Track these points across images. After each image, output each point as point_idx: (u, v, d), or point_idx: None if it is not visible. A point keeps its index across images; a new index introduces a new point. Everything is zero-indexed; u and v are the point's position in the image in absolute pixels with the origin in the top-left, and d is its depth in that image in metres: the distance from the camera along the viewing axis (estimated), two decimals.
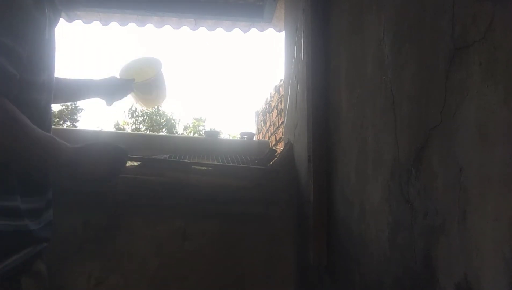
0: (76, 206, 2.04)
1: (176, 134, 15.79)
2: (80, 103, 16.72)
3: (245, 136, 3.76)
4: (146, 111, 16.72)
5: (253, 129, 6.01)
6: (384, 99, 1.35)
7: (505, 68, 0.83)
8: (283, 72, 2.74)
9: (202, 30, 3.55)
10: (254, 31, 3.52)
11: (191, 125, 17.44)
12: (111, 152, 1.09)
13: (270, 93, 4.95)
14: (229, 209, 2.14)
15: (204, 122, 17.81)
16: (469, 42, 0.94)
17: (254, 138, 4.01)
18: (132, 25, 3.48)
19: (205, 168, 2.29)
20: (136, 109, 16.73)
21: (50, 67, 1.08)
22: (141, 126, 16.76)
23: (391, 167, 1.29)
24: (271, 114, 4.82)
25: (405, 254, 1.19)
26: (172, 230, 2.10)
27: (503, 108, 0.83)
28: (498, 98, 0.84)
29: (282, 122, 3.45)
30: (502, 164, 0.83)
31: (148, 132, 14.08)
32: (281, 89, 4.18)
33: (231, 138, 9.78)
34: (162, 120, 16.90)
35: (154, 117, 16.79)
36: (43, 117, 1.06)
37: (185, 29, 3.56)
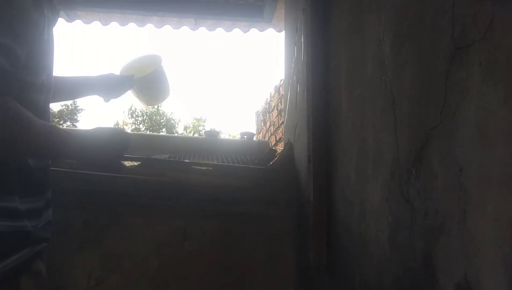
0: (76, 206, 2.05)
1: (176, 134, 15.79)
2: (80, 103, 16.74)
3: (245, 136, 3.77)
4: (146, 111, 16.72)
5: (253, 129, 6.01)
6: (384, 99, 1.35)
7: (505, 68, 0.83)
8: (283, 72, 2.74)
9: (202, 30, 3.55)
10: (254, 31, 3.52)
11: (191, 125, 17.44)
12: (115, 137, 1.09)
13: (270, 93, 4.96)
14: (229, 209, 2.15)
15: (204, 122, 17.81)
16: (469, 42, 0.94)
17: (254, 138, 4.01)
18: (132, 25, 3.48)
19: (205, 168, 2.29)
20: (135, 109, 16.72)
21: (49, 67, 1.08)
22: (140, 126, 16.76)
23: (391, 167, 1.29)
24: (271, 114, 4.82)
25: (405, 254, 1.19)
26: (172, 230, 2.10)
27: (503, 108, 0.83)
28: (498, 98, 0.84)
29: (282, 122, 3.46)
30: (502, 164, 0.83)
31: (148, 132, 14.08)
32: (281, 89, 4.18)
33: (231, 138, 9.78)
34: (161, 120, 16.89)
35: (154, 117, 16.79)
36: (42, 117, 1.06)
37: (185, 29, 3.56)
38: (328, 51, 1.94)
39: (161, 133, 14.52)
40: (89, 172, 2.09)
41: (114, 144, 1.08)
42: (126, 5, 3.15)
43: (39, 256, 1.06)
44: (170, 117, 17.15)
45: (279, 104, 4.32)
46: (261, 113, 5.52)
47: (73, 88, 1.49)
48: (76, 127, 13.44)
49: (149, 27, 3.53)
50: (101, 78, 1.56)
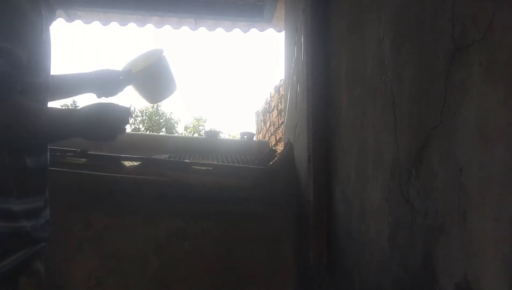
0: (76, 206, 2.05)
1: (176, 134, 15.78)
2: (80, 103, 16.73)
3: (245, 136, 3.76)
4: (145, 111, 16.69)
5: (253, 129, 6.01)
6: (384, 99, 1.35)
7: (505, 68, 0.83)
8: (283, 72, 2.74)
9: (202, 30, 3.55)
10: (254, 31, 3.52)
11: (191, 125, 17.44)
12: (116, 113, 1.09)
13: (270, 93, 4.95)
14: (229, 209, 2.15)
15: (204, 122, 17.81)
16: (469, 42, 0.94)
17: (254, 138, 4.01)
18: (132, 25, 3.48)
19: (205, 168, 2.29)
20: (134, 109, 16.70)
21: (47, 68, 1.08)
22: (140, 126, 16.75)
23: (391, 167, 1.29)
24: (271, 114, 4.82)
25: (405, 254, 1.19)
26: (172, 230, 2.10)
27: (503, 108, 0.83)
28: (498, 98, 0.84)
29: (282, 122, 3.45)
30: (502, 164, 0.83)
31: (147, 132, 14.08)
32: (281, 89, 4.18)
33: (231, 138, 9.78)
34: (161, 120, 16.89)
35: (154, 118, 16.78)
36: None
37: (185, 29, 3.56)
38: (328, 51, 1.94)
39: (161, 133, 14.51)
40: (90, 172, 2.09)
41: (116, 120, 1.08)
42: (126, 5, 3.15)
43: (37, 256, 1.06)
44: (170, 117, 17.14)
45: (279, 104, 4.32)
46: (261, 113, 5.52)
47: (69, 86, 1.43)
48: None
49: (149, 27, 3.53)
50: (96, 73, 1.46)
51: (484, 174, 0.87)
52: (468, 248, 0.91)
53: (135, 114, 16.68)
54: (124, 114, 1.10)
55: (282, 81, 3.55)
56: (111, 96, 1.49)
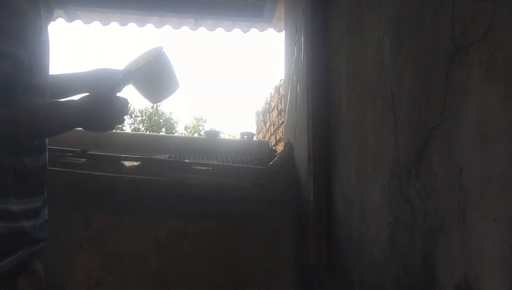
0: (76, 206, 2.05)
1: (176, 134, 15.78)
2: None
3: (245, 136, 3.77)
4: (144, 110, 16.68)
5: (253, 129, 6.01)
6: (384, 99, 1.35)
7: (505, 68, 0.83)
8: (283, 72, 2.74)
9: (202, 30, 3.55)
10: (254, 31, 3.52)
11: (191, 125, 17.43)
12: (116, 103, 1.09)
13: (270, 93, 4.95)
14: (229, 209, 2.15)
15: (204, 122, 17.80)
16: (469, 42, 0.94)
17: (254, 138, 4.01)
18: (132, 25, 3.48)
19: (205, 168, 2.29)
20: (134, 109, 16.68)
21: (46, 68, 1.09)
22: (140, 126, 16.73)
23: (391, 167, 1.29)
24: (271, 114, 4.82)
25: (405, 254, 1.19)
26: (172, 230, 2.10)
27: (503, 108, 0.83)
28: (498, 98, 0.84)
29: (282, 122, 3.45)
30: (502, 164, 0.83)
31: (147, 132, 14.07)
32: (281, 89, 4.18)
33: (231, 138, 9.78)
34: (160, 120, 16.87)
35: (154, 118, 16.77)
36: None
37: (185, 29, 3.56)
38: (328, 51, 1.94)
39: (161, 133, 14.51)
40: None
41: (115, 110, 1.09)
42: (126, 5, 3.15)
43: (37, 256, 1.06)
44: (169, 117, 17.12)
45: (279, 104, 4.32)
46: (261, 113, 5.52)
47: (67, 86, 1.39)
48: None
49: (149, 27, 3.53)
50: (93, 72, 1.41)
51: (484, 174, 0.87)
52: (468, 248, 0.91)
53: (135, 114, 16.65)
54: (123, 104, 1.10)
55: (282, 81, 3.55)
56: None
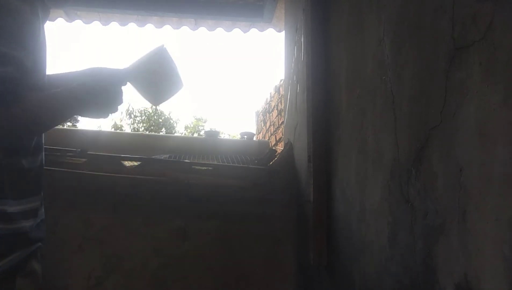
0: (76, 206, 2.05)
1: (176, 134, 15.78)
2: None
3: (245, 136, 3.77)
4: (144, 110, 16.66)
5: (253, 129, 6.01)
6: (384, 99, 1.35)
7: (505, 68, 0.83)
8: (283, 72, 2.74)
9: (202, 30, 3.55)
10: (254, 31, 3.52)
11: (191, 125, 17.43)
12: (112, 88, 1.10)
13: (270, 93, 4.95)
14: (229, 209, 2.15)
15: (204, 122, 17.79)
16: (469, 42, 0.94)
17: (254, 138, 4.01)
18: (132, 25, 3.48)
19: (205, 168, 2.29)
20: (133, 109, 16.67)
21: (43, 68, 1.09)
22: (139, 125, 16.72)
23: (391, 167, 1.29)
24: (271, 114, 4.82)
25: (405, 254, 1.19)
26: (172, 230, 2.10)
27: (503, 108, 0.83)
28: (498, 98, 0.84)
29: (282, 122, 3.45)
30: (502, 164, 0.83)
31: (147, 132, 14.07)
32: (281, 89, 4.18)
33: (231, 138, 9.78)
34: (160, 120, 16.86)
35: (153, 117, 16.76)
36: None
37: (185, 29, 3.56)
38: (328, 51, 1.94)
39: (161, 133, 14.51)
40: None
41: (106, 100, 1.08)
42: (126, 5, 3.15)
43: (34, 256, 1.06)
44: (169, 116, 17.12)
45: (279, 104, 4.32)
46: (261, 113, 5.52)
47: (64, 85, 1.43)
48: (76, 126, 13.42)
49: (149, 27, 3.53)
50: (86, 71, 1.34)
51: (484, 174, 0.88)
52: (468, 248, 0.91)
53: (134, 114, 16.64)
54: (116, 91, 1.10)
55: (282, 81, 3.55)
56: None
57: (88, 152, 2.26)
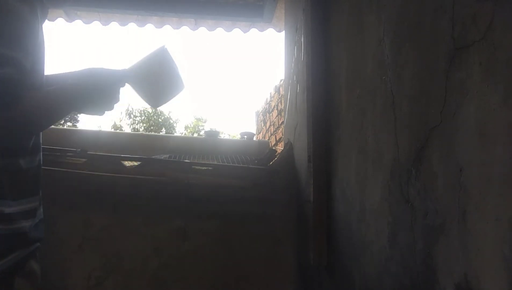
0: (76, 206, 2.05)
1: (176, 134, 15.78)
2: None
3: (245, 136, 3.77)
4: (143, 111, 16.66)
5: (253, 129, 6.01)
6: (384, 99, 1.35)
7: (505, 68, 0.83)
8: (283, 72, 2.74)
9: (202, 30, 3.55)
10: (254, 31, 3.52)
11: (191, 125, 17.43)
12: (110, 89, 1.10)
13: (270, 93, 4.95)
14: (229, 209, 2.14)
15: (204, 122, 17.80)
16: (469, 42, 0.94)
17: (254, 138, 4.01)
18: (132, 25, 3.48)
19: (205, 168, 2.29)
20: (132, 109, 16.67)
21: (41, 68, 1.09)
22: (139, 126, 16.72)
23: (391, 167, 1.29)
24: (271, 114, 4.82)
25: (405, 254, 1.19)
26: (172, 230, 2.10)
27: (503, 108, 0.83)
28: (498, 98, 0.84)
29: (282, 122, 3.45)
30: (502, 164, 0.83)
31: (147, 132, 14.07)
32: (281, 89, 4.18)
33: (231, 138, 9.79)
34: (159, 119, 16.86)
35: (153, 117, 16.75)
36: None
37: (185, 29, 3.56)
38: (328, 51, 1.94)
39: (161, 133, 14.51)
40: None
41: (104, 97, 1.08)
42: (126, 5, 3.15)
43: (32, 256, 1.07)
44: (168, 116, 17.12)
45: (279, 104, 4.32)
46: (261, 113, 5.52)
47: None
48: (76, 126, 13.43)
49: (149, 27, 3.53)
50: (83, 72, 1.30)
51: (484, 174, 0.88)
52: (468, 248, 0.91)
53: (134, 114, 16.64)
54: (113, 88, 1.09)
55: (282, 81, 3.55)
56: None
57: (88, 152, 2.26)
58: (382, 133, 1.37)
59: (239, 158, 2.79)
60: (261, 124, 5.43)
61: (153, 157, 2.51)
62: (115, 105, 1.12)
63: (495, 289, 0.83)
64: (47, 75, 1.18)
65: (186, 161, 2.44)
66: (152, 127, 16.34)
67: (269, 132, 4.83)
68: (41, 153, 1.13)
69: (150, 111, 16.67)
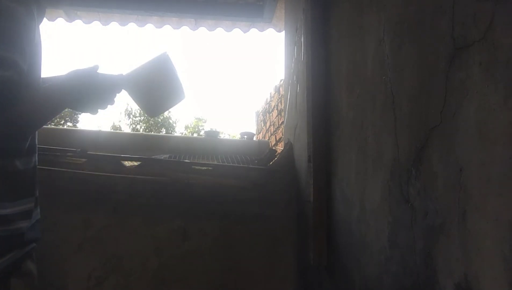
0: (76, 206, 2.05)
1: (176, 134, 15.78)
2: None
3: (245, 136, 3.77)
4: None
5: (253, 129, 6.00)
6: (384, 99, 1.35)
7: (505, 68, 0.83)
8: (283, 72, 2.74)
9: (202, 30, 3.55)
10: (254, 31, 3.52)
11: (191, 125, 17.42)
12: (103, 85, 1.09)
13: (270, 93, 4.95)
14: (229, 209, 2.15)
15: (204, 122, 17.79)
16: (469, 42, 0.94)
17: (254, 138, 4.01)
18: (132, 25, 3.48)
19: (205, 168, 2.29)
20: (132, 109, 16.66)
21: (38, 68, 1.09)
22: (138, 126, 16.71)
23: (391, 167, 1.29)
24: (271, 114, 4.82)
25: (405, 254, 1.19)
26: (172, 230, 2.10)
27: (503, 108, 0.83)
28: (498, 98, 0.84)
29: (282, 122, 3.45)
30: (502, 164, 0.83)
31: (147, 132, 14.07)
32: (281, 89, 4.18)
33: (231, 138, 9.79)
34: (159, 119, 16.83)
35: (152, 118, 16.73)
36: None
37: (185, 29, 3.56)
38: (328, 51, 1.94)
39: (161, 133, 14.51)
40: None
41: (99, 96, 1.08)
42: (126, 5, 3.15)
43: (28, 256, 1.07)
44: (168, 116, 17.10)
45: (279, 104, 4.32)
46: (261, 113, 5.52)
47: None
48: (76, 127, 13.43)
49: (149, 27, 3.53)
50: (81, 77, 1.26)
51: (484, 174, 0.88)
52: (468, 248, 0.91)
53: (133, 114, 16.63)
54: (104, 87, 1.08)
55: (282, 81, 3.55)
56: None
57: (88, 152, 2.26)
58: (382, 133, 1.37)
59: (239, 158, 2.79)
60: (261, 124, 5.43)
61: (153, 157, 2.51)
62: (108, 106, 1.12)
63: (495, 289, 0.83)
64: (43, 78, 1.18)
65: (186, 161, 2.44)
66: (152, 127, 16.33)
67: (269, 132, 4.83)
68: (37, 154, 1.13)
69: None
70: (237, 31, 3.53)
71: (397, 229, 1.24)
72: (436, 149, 1.06)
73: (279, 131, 4.21)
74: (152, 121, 16.50)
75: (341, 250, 1.70)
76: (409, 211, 1.17)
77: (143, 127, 16.56)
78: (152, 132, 14.17)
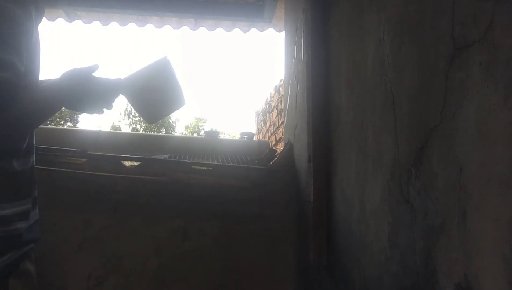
0: (76, 206, 2.05)
1: (176, 134, 15.78)
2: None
3: (245, 136, 3.77)
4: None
5: (253, 129, 6.00)
6: (384, 99, 1.35)
7: (505, 68, 0.83)
8: (283, 72, 2.74)
9: (202, 30, 3.55)
10: (254, 31, 3.52)
11: (191, 125, 17.41)
12: (99, 90, 1.08)
13: (270, 93, 4.95)
14: (229, 209, 2.15)
15: (204, 122, 17.79)
16: (469, 42, 0.94)
17: (254, 138, 4.01)
18: (132, 25, 3.48)
19: (205, 168, 2.29)
20: (132, 109, 16.65)
21: (36, 69, 1.09)
22: (138, 126, 16.70)
23: (391, 167, 1.29)
24: (271, 114, 4.82)
25: (405, 254, 1.19)
26: (172, 230, 2.10)
27: (503, 108, 0.83)
28: (498, 98, 0.84)
29: (282, 122, 3.45)
30: (502, 164, 0.83)
31: (147, 132, 14.07)
32: (281, 89, 4.18)
33: (231, 138, 9.78)
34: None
35: None
36: None
37: (185, 29, 3.56)
38: (328, 51, 1.94)
39: (161, 133, 14.51)
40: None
41: (97, 98, 1.07)
42: (126, 5, 3.15)
43: (27, 257, 1.06)
44: (168, 116, 17.09)
45: (279, 104, 4.32)
46: (261, 113, 5.52)
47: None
48: (76, 127, 13.43)
49: (149, 27, 3.53)
50: (79, 81, 1.25)
51: (484, 174, 0.88)
52: (468, 248, 0.91)
53: (133, 114, 16.62)
54: (98, 89, 1.07)
55: (282, 81, 3.55)
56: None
57: (88, 152, 2.26)
58: (382, 133, 1.37)
59: (239, 158, 2.79)
60: (261, 124, 5.43)
61: (153, 157, 2.51)
62: (106, 110, 1.12)
63: (495, 289, 0.83)
64: (41, 80, 1.18)
65: (186, 161, 2.44)
66: (152, 127, 16.32)
67: (269, 132, 4.83)
68: (35, 154, 1.13)
69: None
70: (237, 31, 3.53)
71: (397, 229, 1.24)
72: (436, 149, 1.06)
73: (279, 131, 4.21)
74: None
75: (341, 250, 1.70)
76: (409, 211, 1.17)
77: (143, 127, 16.55)
78: (152, 132, 14.17)
